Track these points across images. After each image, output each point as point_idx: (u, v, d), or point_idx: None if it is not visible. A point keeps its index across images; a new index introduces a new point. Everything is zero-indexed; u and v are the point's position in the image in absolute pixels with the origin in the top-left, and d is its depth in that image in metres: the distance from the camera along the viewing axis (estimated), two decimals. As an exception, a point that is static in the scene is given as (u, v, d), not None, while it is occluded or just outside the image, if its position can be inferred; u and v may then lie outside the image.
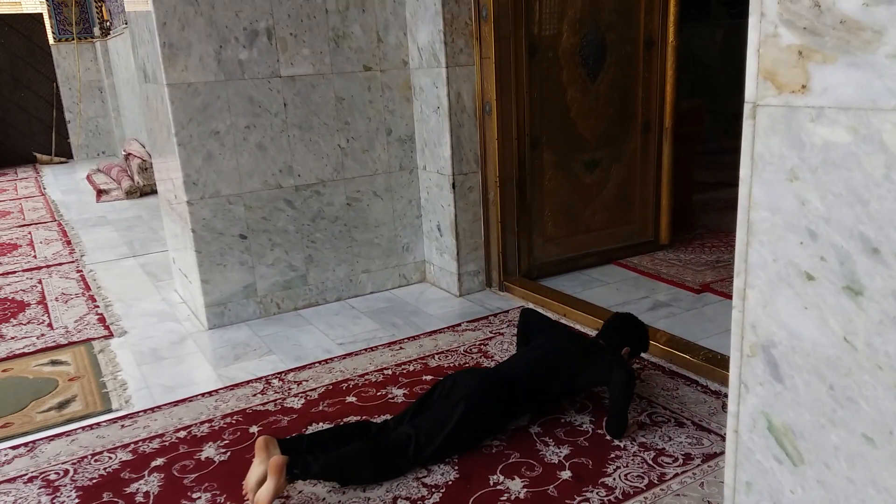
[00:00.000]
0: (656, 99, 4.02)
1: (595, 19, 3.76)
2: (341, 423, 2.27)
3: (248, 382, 2.87)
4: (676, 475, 2.11)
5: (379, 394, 2.70)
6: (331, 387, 2.78)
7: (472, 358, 2.97)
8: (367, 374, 2.88)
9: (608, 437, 2.32)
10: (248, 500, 2.03)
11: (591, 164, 3.93)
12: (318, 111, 3.56)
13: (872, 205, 0.94)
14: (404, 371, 2.88)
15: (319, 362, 3.02)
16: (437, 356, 3.01)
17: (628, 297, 3.54)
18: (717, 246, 4.31)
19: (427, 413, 2.26)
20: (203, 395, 2.78)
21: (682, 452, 2.23)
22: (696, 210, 5.00)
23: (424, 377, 2.82)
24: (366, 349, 3.13)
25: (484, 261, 3.80)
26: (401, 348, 3.12)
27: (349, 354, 3.08)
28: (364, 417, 2.52)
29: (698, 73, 8.42)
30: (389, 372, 2.88)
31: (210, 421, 2.57)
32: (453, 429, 2.18)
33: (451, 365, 2.91)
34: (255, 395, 2.75)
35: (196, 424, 2.55)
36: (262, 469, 1.98)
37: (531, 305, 3.52)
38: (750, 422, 1.19)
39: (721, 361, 2.71)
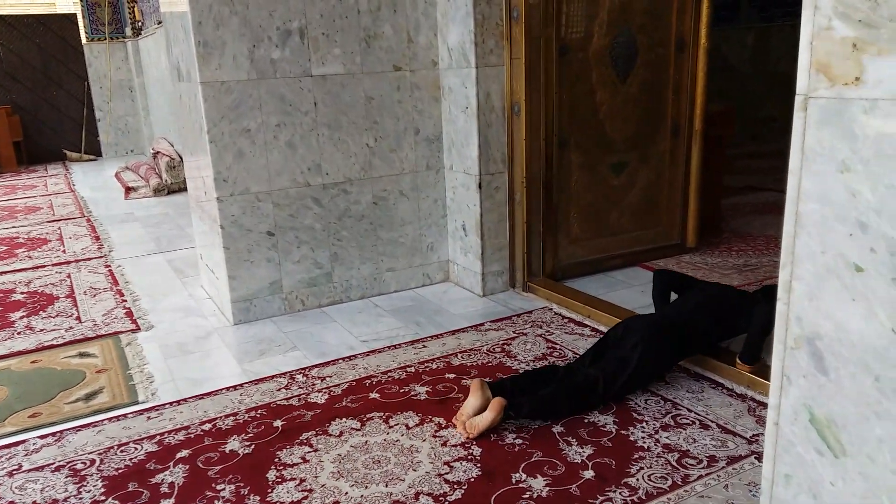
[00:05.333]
0: (686, 101, 3.99)
1: (626, 21, 3.74)
2: (532, 369, 2.64)
3: (272, 377, 2.89)
4: (700, 476, 2.09)
5: (402, 391, 2.70)
6: (354, 383, 2.79)
7: (496, 357, 2.96)
8: (390, 371, 2.89)
9: (632, 439, 2.29)
10: (456, 422, 2.38)
11: (618, 165, 3.91)
12: (347, 110, 3.58)
13: (927, 196, 0.93)
14: (427, 369, 2.89)
15: (343, 359, 3.03)
16: (460, 355, 3.01)
17: (654, 300, 3.50)
18: (744, 250, 4.25)
19: (608, 356, 2.57)
20: (228, 388, 2.81)
21: (707, 454, 2.20)
22: (724, 214, 4.94)
23: (447, 375, 2.82)
24: (389, 347, 3.14)
25: (508, 261, 3.79)
26: (424, 346, 3.12)
27: (372, 352, 3.09)
28: (553, 362, 2.86)
29: (727, 77, 8.34)
30: (412, 369, 2.89)
31: (235, 414, 2.60)
32: (635, 369, 2.49)
33: (474, 364, 2.91)
34: (279, 390, 2.77)
35: (221, 417, 2.58)
36: (479, 403, 2.35)
37: (554, 306, 3.50)
38: (791, 414, 1.18)
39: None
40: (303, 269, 3.61)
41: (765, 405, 2.46)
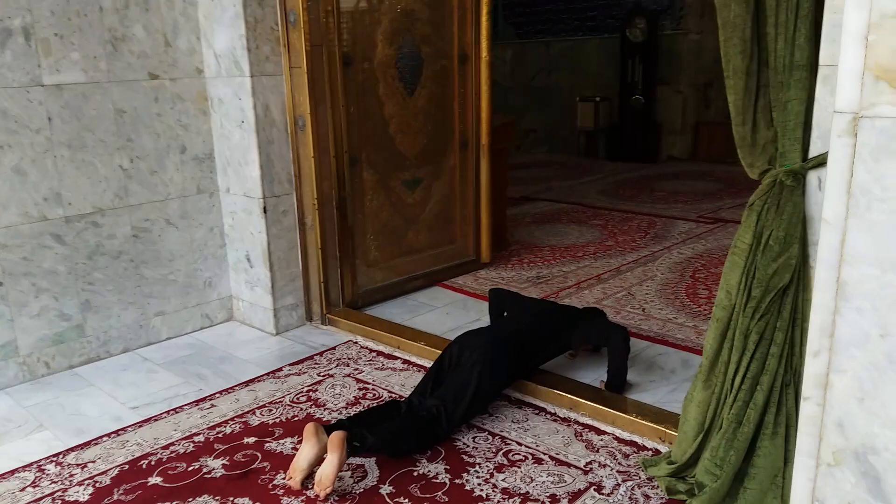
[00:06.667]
0: (472, 114, 3.92)
1: (410, 31, 3.56)
2: (372, 407, 2.43)
3: (12, 473, 2.22)
4: (547, 523, 1.93)
5: (191, 469, 2.22)
6: (126, 466, 2.24)
7: (302, 409, 2.58)
8: (172, 444, 2.37)
9: (468, 488, 2.07)
10: (291, 479, 2.08)
11: (412, 182, 3.72)
12: (92, 126, 2.96)
13: None
14: (220, 435, 2.42)
15: (108, 435, 2.44)
16: (258, 411, 2.58)
17: (460, 320, 3.36)
18: (534, 261, 4.30)
19: (446, 383, 2.40)
20: (-55, 497, 2.11)
21: (548, 494, 2.05)
22: (509, 226, 5.00)
23: (247, 440, 2.38)
24: (168, 411, 2.60)
25: (303, 292, 3.41)
26: (212, 406, 2.63)
27: (147, 420, 2.54)
28: (393, 397, 2.62)
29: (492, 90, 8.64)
30: (201, 438, 2.40)
31: (-43, 535, 1.94)
32: (475, 392, 2.34)
33: (278, 420, 2.50)
34: (23, 490, 2.13)
35: (-65, 543, 1.91)
36: (315, 451, 2.07)
37: (359, 339, 3.20)
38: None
39: (565, 384, 2.61)
40: (44, 323, 2.91)
41: (590, 427, 2.39)
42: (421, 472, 2.16)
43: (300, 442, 2.32)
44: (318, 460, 2.07)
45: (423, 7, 3.61)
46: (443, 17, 3.72)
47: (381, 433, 2.15)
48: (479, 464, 2.20)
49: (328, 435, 2.09)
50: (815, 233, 1.67)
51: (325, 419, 2.48)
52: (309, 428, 2.10)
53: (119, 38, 3.02)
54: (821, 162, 1.65)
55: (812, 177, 1.69)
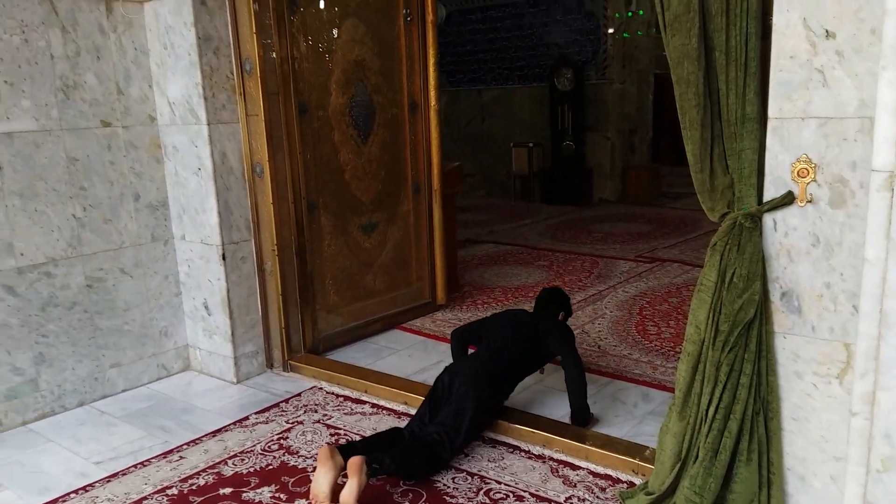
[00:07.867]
0: (424, 160, 4.03)
1: (362, 80, 3.65)
2: (380, 433, 2.54)
3: (-30, 540, 2.11)
4: (534, 557, 1.97)
5: (168, 523, 2.16)
6: (98, 525, 2.16)
7: (275, 457, 2.55)
8: (144, 498, 2.30)
9: None
10: (317, 502, 2.13)
11: (368, 227, 3.77)
12: (44, 175, 2.90)
13: None
14: (194, 487, 2.36)
15: (76, 492, 2.34)
16: (230, 461, 2.53)
17: (423, 362, 3.40)
18: (487, 302, 4.40)
19: (444, 410, 2.51)
20: None
21: (531, 529, 2.10)
22: (458, 268, 5.09)
23: (222, 490, 2.33)
24: (135, 465, 2.52)
25: (263, 339, 3.37)
26: (181, 458, 2.57)
27: (114, 475, 2.45)
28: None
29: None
30: (175, 491, 2.34)
31: None
32: (473, 415, 2.47)
33: (252, 469, 2.46)
34: (-14, 558, 2.03)
35: None
36: (333, 473, 2.14)
37: (324, 384, 3.19)
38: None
39: (536, 422, 2.69)
40: (-5, 379, 2.78)
41: (564, 463, 2.47)
42: (405, 514, 2.18)
43: (279, 490, 2.32)
44: (335, 483, 2.15)
45: (374, 57, 3.72)
46: (393, 67, 3.84)
47: (395, 457, 2.25)
48: None
49: (342, 456, 2.18)
50: (774, 270, 1.84)
51: (300, 466, 2.46)
52: (324, 451, 2.17)
53: (71, 86, 2.99)
54: (775, 206, 1.82)
55: (768, 219, 1.85)
